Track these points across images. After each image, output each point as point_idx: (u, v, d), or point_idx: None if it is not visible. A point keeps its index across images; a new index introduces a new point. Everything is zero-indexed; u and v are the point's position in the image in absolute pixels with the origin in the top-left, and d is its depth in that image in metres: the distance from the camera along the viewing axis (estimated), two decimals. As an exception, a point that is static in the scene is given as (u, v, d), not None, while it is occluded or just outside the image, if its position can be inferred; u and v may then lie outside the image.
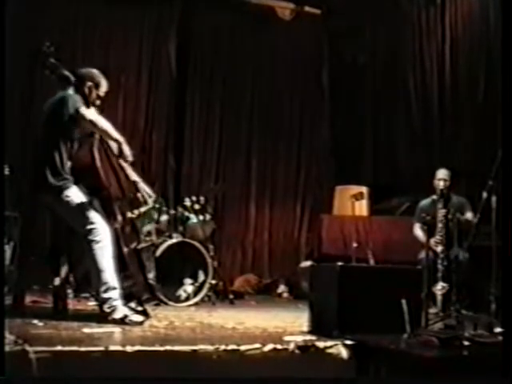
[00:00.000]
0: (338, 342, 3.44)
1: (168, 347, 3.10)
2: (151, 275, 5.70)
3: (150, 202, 5.06)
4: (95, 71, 4.63)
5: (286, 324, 4.57)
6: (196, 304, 6.25)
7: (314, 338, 3.66)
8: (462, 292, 5.37)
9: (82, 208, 4.28)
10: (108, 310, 4.19)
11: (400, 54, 9.07)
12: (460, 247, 5.87)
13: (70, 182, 4.32)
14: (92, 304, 5.00)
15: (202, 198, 7.00)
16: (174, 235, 6.65)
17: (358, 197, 7.01)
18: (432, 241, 5.89)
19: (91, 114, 4.39)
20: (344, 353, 3.40)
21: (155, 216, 6.75)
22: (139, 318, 4.20)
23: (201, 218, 6.97)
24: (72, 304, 4.97)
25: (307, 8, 9.70)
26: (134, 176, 4.67)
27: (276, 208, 9.59)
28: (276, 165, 9.64)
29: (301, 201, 9.71)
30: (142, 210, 5.82)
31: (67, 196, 4.29)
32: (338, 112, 9.83)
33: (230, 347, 3.19)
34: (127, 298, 4.34)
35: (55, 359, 2.82)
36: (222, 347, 3.17)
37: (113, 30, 8.80)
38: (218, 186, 8.75)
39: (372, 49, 9.63)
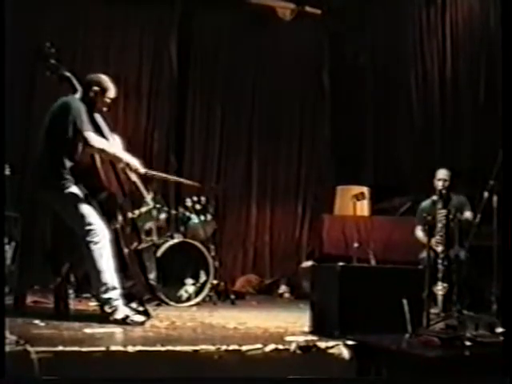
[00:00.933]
0: (340, 342, 3.44)
1: (169, 347, 3.11)
2: (152, 275, 5.69)
3: (151, 202, 5.07)
4: (103, 76, 4.62)
5: (288, 324, 4.57)
6: (197, 304, 6.25)
7: (315, 338, 3.66)
8: (463, 292, 5.37)
9: (80, 208, 4.28)
10: (109, 311, 4.19)
11: (400, 53, 9.07)
12: (461, 247, 5.87)
13: (69, 182, 4.32)
14: (93, 304, 5.00)
15: (203, 198, 7.01)
16: (176, 235, 6.66)
17: (359, 197, 7.01)
18: (433, 241, 5.89)
19: (97, 140, 4.36)
20: (345, 353, 3.40)
21: (155, 215, 6.75)
22: (140, 318, 4.20)
23: (202, 218, 6.97)
24: (73, 304, 4.96)
25: (308, 8, 9.70)
26: (134, 176, 4.66)
27: (277, 208, 9.60)
28: (277, 165, 9.65)
29: (302, 201, 9.72)
30: (143, 210, 5.83)
31: (66, 196, 4.29)
32: (339, 112, 9.83)
33: (232, 347, 3.19)
34: (128, 298, 4.34)
35: (57, 359, 2.82)
36: (224, 347, 3.17)
37: (113, 30, 8.81)
38: (219, 186, 8.74)
39: (372, 48, 9.64)
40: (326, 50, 9.95)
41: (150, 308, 4.72)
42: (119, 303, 4.21)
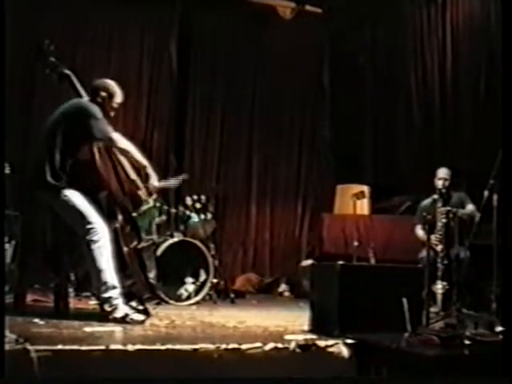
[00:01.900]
0: (339, 341, 3.45)
1: (169, 346, 3.11)
2: (152, 274, 5.70)
3: (151, 200, 5.07)
4: (110, 82, 4.66)
5: (287, 323, 4.57)
6: (197, 303, 6.25)
7: (314, 336, 3.67)
8: (462, 291, 5.38)
9: (80, 208, 4.28)
10: (109, 309, 4.19)
11: (401, 53, 9.06)
12: (461, 246, 5.88)
13: (69, 181, 4.32)
14: (93, 303, 5.00)
15: (203, 197, 7.01)
16: (175, 234, 6.66)
17: (359, 196, 7.01)
18: (432, 239, 5.88)
19: (123, 141, 4.46)
20: (345, 352, 3.40)
21: (156, 215, 6.75)
22: (140, 316, 4.21)
23: (202, 216, 6.97)
24: (73, 303, 4.97)
25: (308, 7, 9.69)
26: (133, 175, 4.66)
27: (277, 207, 9.59)
28: (277, 164, 9.65)
29: (302, 200, 9.72)
30: (143, 208, 5.84)
31: (65, 195, 4.29)
32: (339, 111, 9.83)
33: (231, 346, 3.20)
34: (128, 297, 4.35)
35: (56, 358, 2.82)
36: (223, 346, 3.17)
37: (114, 30, 8.80)
38: (219, 184, 8.75)
39: (373, 48, 9.63)
40: (326, 49, 9.95)
41: (150, 307, 4.73)
42: (119, 302, 4.21)
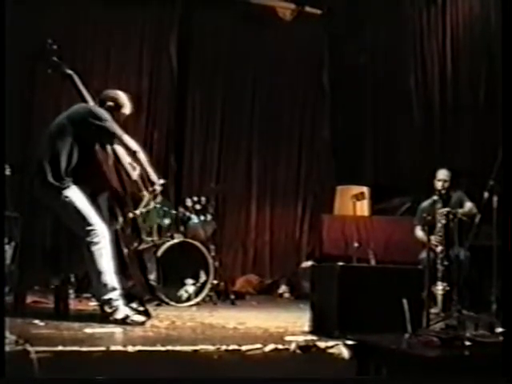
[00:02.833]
0: (339, 342, 3.44)
1: (169, 347, 3.11)
2: (152, 275, 5.71)
3: (152, 202, 5.07)
4: (119, 93, 4.69)
5: (287, 324, 4.57)
6: (197, 304, 6.25)
7: (315, 338, 3.66)
8: (462, 292, 5.38)
9: (81, 209, 4.28)
10: (109, 311, 4.19)
11: (401, 54, 9.07)
12: (461, 247, 5.88)
13: (69, 182, 4.32)
14: (93, 304, 5.00)
15: (203, 199, 7.01)
16: (176, 235, 6.66)
17: (359, 197, 7.02)
18: (432, 240, 5.89)
19: (133, 143, 4.52)
20: (345, 353, 3.40)
21: (160, 215, 6.77)
22: (141, 318, 4.21)
23: (202, 218, 6.98)
24: (73, 304, 4.97)
25: (308, 8, 9.70)
26: (135, 176, 4.66)
27: (277, 208, 9.59)
28: (277, 165, 9.65)
29: (302, 201, 9.72)
30: (144, 210, 5.84)
31: (66, 196, 4.29)
32: (339, 112, 9.83)
33: (232, 347, 3.19)
34: (128, 298, 4.35)
35: (56, 359, 2.82)
36: (224, 347, 3.17)
37: (114, 31, 8.80)
38: (218, 186, 8.74)
39: (372, 49, 9.63)
40: (325, 50, 9.95)
41: (150, 308, 4.72)
42: (119, 303, 4.21)
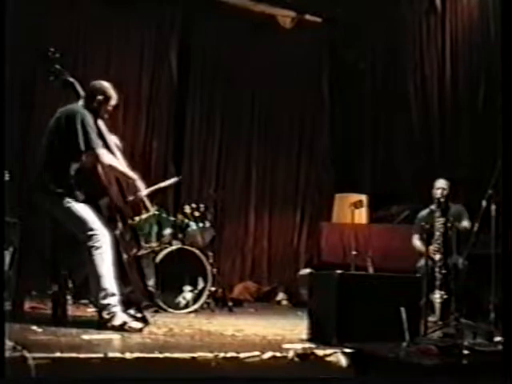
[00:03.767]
0: (337, 350, 3.44)
1: (167, 354, 3.10)
2: (151, 282, 5.70)
3: (151, 208, 5.07)
4: (106, 84, 4.64)
5: (285, 331, 4.57)
6: (195, 311, 6.24)
7: (313, 345, 3.66)
8: (461, 300, 5.37)
9: (82, 214, 4.29)
10: (107, 317, 4.18)
11: (400, 61, 9.09)
12: (459, 255, 5.88)
13: (70, 188, 4.32)
14: (91, 310, 5.00)
15: (201, 205, 7.01)
16: (174, 242, 6.65)
17: (358, 205, 7.02)
18: (430, 249, 5.89)
19: (108, 157, 4.42)
20: (343, 361, 3.39)
21: (161, 221, 6.77)
22: (138, 324, 4.20)
23: (200, 225, 6.97)
24: (71, 310, 4.96)
25: (308, 16, 9.75)
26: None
27: (275, 215, 9.60)
28: (276, 172, 9.66)
29: (300, 208, 9.72)
30: (143, 216, 5.85)
31: (68, 202, 4.29)
32: (338, 119, 9.85)
33: (229, 354, 3.19)
34: (126, 304, 4.34)
35: (54, 366, 2.81)
36: (221, 354, 3.16)
37: (114, 37, 8.81)
38: (217, 193, 8.75)
39: (372, 57, 9.66)
40: (325, 58, 9.98)
41: (148, 315, 4.71)
42: (117, 309, 4.20)
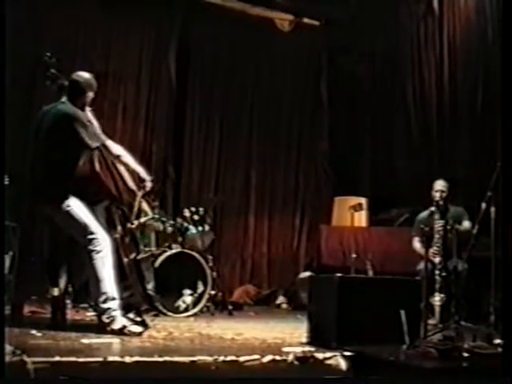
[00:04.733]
0: (337, 354, 3.44)
1: (167, 358, 3.10)
2: (150, 286, 5.69)
3: (150, 212, 5.07)
4: (87, 74, 4.62)
5: (285, 335, 4.56)
6: (195, 315, 6.23)
7: (312, 349, 3.66)
8: (460, 303, 5.36)
9: (82, 218, 4.28)
10: (107, 321, 4.18)
11: (399, 65, 9.10)
12: (459, 258, 5.87)
13: (69, 193, 4.32)
14: (91, 314, 4.99)
15: (201, 209, 7.01)
16: (174, 246, 6.65)
17: (357, 208, 7.02)
18: (430, 252, 5.88)
19: (116, 147, 4.45)
20: (343, 364, 3.39)
21: (160, 227, 6.76)
22: (138, 328, 4.19)
23: (200, 228, 6.97)
24: (70, 314, 4.96)
25: (306, 19, 9.76)
26: (132, 184, 4.66)
27: (275, 219, 9.60)
28: (275, 176, 9.67)
29: (300, 212, 9.72)
30: (142, 220, 5.85)
31: (68, 206, 4.29)
32: (337, 123, 9.85)
33: (229, 358, 3.19)
34: (126, 308, 4.34)
35: (53, 370, 2.81)
36: (221, 358, 3.16)
37: (112, 40, 8.81)
38: (217, 196, 8.75)
39: (370, 60, 9.67)
40: (324, 61, 9.99)
41: (148, 318, 4.72)
42: (117, 313, 4.20)
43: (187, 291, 6.31)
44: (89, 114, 4.57)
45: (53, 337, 3.79)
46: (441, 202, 6.14)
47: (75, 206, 4.30)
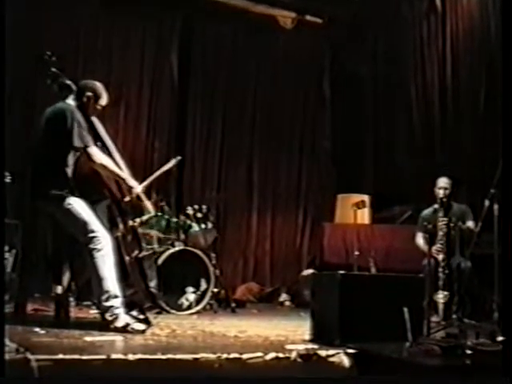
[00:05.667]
0: (340, 351, 3.43)
1: (170, 355, 3.10)
2: (153, 283, 5.69)
3: (152, 210, 5.07)
4: (97, 83, 4.65)
5: (288, 332, 4.56)
6: (198, 312, 6.24)
7: (315, 346, 3.65)
8: (464, 300, 5.37)
9: (83, 216, 4.28)
10: (110, 319, 4.18)
11: (401, 63, 9.09)
12: (462, 255, 5.87)
13: (70, 190, 4.32)
14: (94, 312, 5.00)
15: (204, 207, 7.01)
16: (176, 243, 6.66)
17: (360, 205, 7.01)
18: (433, 249, 5.88)
19: (99, 156, 4.39)
20: (346, 361, 3.39)
21: (163, 224, 6.77)
22: (141, 326, 4.19)
23: (203, 226, 6.97)
24: (74, 312, 4.96)
25: (308, 17, 9.75)
26: (134, 184, 4.65)
27: (278, 216, 9.60)
28: (278, 173, 9.66)
29: (302, 209, 9.73)
30: (144, 218, 5.85)
31: (68, 204, 4.29)
32: (340, 120, 9.85)
33: (232, 356, 3.18)
34: (129, 306, 4.34)
35: (57, 367, 2.82)
36: (224, 356, 3.16)
37: (115, 40, 8.82)
38: (219, 194, 8.75)
39: (373, 58, 9.66)
40: (326, 59, 9.98)
41: (151, 316, 4.71)
42: (120, 311, 4.20)
43: (190, 289, 6.31)
44: (97, 121, 4.57)
45: (56, 334, 3.78)
46: (444, 200, 6.14)
47: (76, 204, 4.29)
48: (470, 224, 6.06)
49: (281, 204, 9.65)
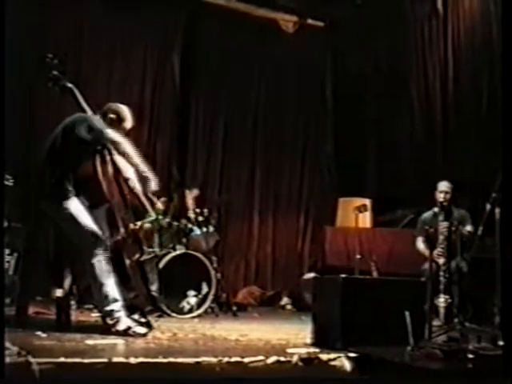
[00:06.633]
0: (342, 355, 3.44)
1: (171, 359, 3.10)
2: (154, 287, 5.70)
3: (153, 213, 5.07)
4: (121, 106, 4.68)
5: (290, 336, 4.56)
6: (199, 316, 6.24)
7: (317, 350, 3.66)
8: (465, 304, 5.36)
9: (83, 220, 4.29)
10: (111, 322, 4.19)
11: (403, 66, 9.09)
12: (463, 259, 5.86)
13: (71, 194, 4.33)
14: (95, 315, 5.00)
15: (205, 210, 7.01)
16: (178, 247, 6.65)
17: (362, 209, 7.02)
18: (434, 253, 5.87)
19: (125, 142, 4.42)
20: (347, 365, 3.39)
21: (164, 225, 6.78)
22: (142, 329, 4.20)
23: (204, 229, 6.97)
24: (75, 315, 4.96)
25: (310, 21, 9.76)
26: (137, 186, 4.66)
27: (279, 220, 9.60)
28: (280, 177, 9.66)
29: (304, 213, 9.72)
30: (146, 221, 5.85)
31: (67, 208, 4.29)
32: (342, 124, 9.84)
33: (233, 359, 3.19)
34: (130, 309, 4.34)
35: (58, 371, 2.82)
36: (225, 359, 3.16)
37: (117, 40, 8.82)
38: (221, 197, 8.75)
39: (375, 62, 9.66)
40: (328, 62, 9.99)
41: (152, 319, 4.71)
42: (121, 315, 4.20)
43: (191, 292, 6.31)
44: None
45: (58, 338, 3.79)
46: (445, 203, 6.13)
47: (74, 208, 4.30)
48: (469, 228, 6.06)
49: (282, 207, 9.65)
